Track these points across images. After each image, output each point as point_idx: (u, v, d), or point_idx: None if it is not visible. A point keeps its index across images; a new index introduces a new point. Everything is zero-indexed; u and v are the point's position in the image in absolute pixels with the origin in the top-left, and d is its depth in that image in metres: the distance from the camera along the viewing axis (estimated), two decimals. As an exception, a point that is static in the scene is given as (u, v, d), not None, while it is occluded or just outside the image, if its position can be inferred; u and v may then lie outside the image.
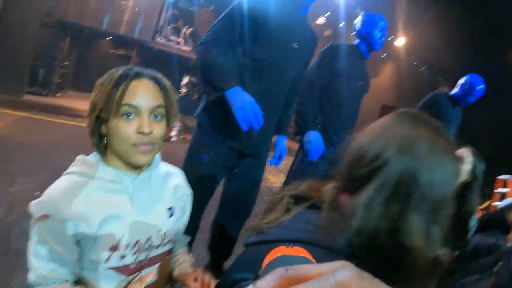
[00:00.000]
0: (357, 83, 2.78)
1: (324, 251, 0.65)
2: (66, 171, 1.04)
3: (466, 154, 2.20)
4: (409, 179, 0.69)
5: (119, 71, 1.03)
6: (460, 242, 2.06)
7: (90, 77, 9.78)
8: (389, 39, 13.46)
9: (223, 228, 2.36)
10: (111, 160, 1.06)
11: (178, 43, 12.60)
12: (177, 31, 12.73)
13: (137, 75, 1.02)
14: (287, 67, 2.10)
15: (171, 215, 1.15)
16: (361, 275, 0.19)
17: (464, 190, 2.18)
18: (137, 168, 1.07)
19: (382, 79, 15.96)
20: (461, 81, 3.62)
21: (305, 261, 0.47)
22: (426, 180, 0.69)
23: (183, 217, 1.26)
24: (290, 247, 0.47)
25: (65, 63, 10.39)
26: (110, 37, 11.46)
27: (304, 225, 0.74)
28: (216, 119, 2.05)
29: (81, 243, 0.97)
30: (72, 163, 1.06)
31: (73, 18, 9.56)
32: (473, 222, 2.24)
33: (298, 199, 0.86)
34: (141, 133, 0.99)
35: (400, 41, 13.08)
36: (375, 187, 0.71)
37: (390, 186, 0.70)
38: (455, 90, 3.67)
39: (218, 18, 2.03)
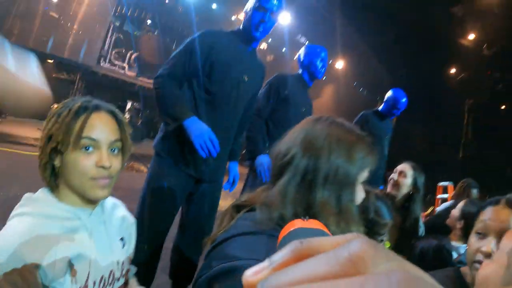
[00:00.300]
0: (301, 110, 2.97)
1: (267, 237, 0.81)
2: (16, 212, 0.96)
3: (407, 169, 2.47)
4: (312, 167, 0.89)
5: (77, 102, 1.01)
6: (407, 247, 2.30)
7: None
8: (329, 62, 14.23)
9: (183, 253, 2.38)
10: (64, 195, 1.01)
11: (122, 68, 12.40)
12: (121, 56, 12.52)
13: (96, 108, 1.01)
14: (239, 98, 2.25)
15: (123, 246, 1.16)
16: (375, 246, 0.19)
17: (407, 201, 2.44)
18: (92, 202, 1.04)
19: (324, 100, 16.77)
20: (386, 96, 3.81)
21: (321, 233, 0.46)
22: (327, 166, 0.90)
23: (131, 246, 1.24)
24: (305, 220, 0.46)
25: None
26: (54, 60, 10.99)
27: (245, 222, 0.89)
28: (174, 148, 2.14)
29: None
30: (21, 203, 0.99)
31: (16, 39, 9.10)
32: (421, 229, 2.51)
33: (239, 208, 1.00)
34: (101, 167, 0.98)
35: (339, 64, 13.83)
36: (287, 177, 0.90)
37: (298, 174, 0.89)
38: (381, 106, 3.85)
39: (174, 53, 2.14)
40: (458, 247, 2.18)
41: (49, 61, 11.23)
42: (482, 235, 1.17)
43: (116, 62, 12.28)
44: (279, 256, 0.22)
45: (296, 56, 3.15)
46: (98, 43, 10.77)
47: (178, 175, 2.14)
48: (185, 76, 2.08)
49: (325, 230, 0.47)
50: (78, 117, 0.97)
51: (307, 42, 12.95)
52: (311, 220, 0.46)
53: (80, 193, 1.01)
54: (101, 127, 1.00)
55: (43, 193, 1.01)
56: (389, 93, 3.76)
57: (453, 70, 10.98)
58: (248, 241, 0.83)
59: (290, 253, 0.22)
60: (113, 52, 12.17)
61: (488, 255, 1.11)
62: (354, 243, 0.19)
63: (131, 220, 1.26)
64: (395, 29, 10.37)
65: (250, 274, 0.22)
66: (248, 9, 2.20)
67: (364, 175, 0.93)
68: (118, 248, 1.13)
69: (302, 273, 0.19)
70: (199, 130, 1.91)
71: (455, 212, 2.29)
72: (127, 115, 13.24)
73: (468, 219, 2.14)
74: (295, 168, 0.91)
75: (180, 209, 2.36)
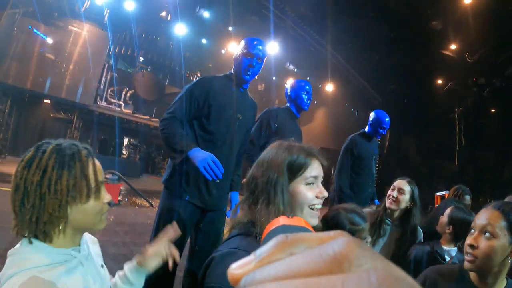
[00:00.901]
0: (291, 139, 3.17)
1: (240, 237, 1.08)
2: (18, 270, 0.94)
3: (404, 185, 2.61)
4: (266, 181, 1.17)
5: (66, 151, 1.03)
6: (402, 256, 2.43)
7: (29, 141, 9.30)
8: (319, 86, 14.58)
9: (193, 278, 2.52)
10: (57, 239, 1.03)
11: (119, 105, 12.60)
12: (117, 94, 12.76)
13: (89, 151, 1.08)
14: (234, 135, 2.51)
15: (105, 270, 1.24)
16: (359, 245, 0.19)
17: (405, 215, 2.57)
18: (78, 241, 1.11)
19: (317, 124, 17.02)
20: (370, 118, 3.94)
21: (304, 230, 0.48)
22: (264, 179, 1.18)
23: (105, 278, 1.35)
24: (290, 217, 0.49)
25: (3, 128, 9.87)
26: (51, 101, 11.16)
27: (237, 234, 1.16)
28: (181, 182, 2.39)
29: None
30: (13, 261, 0.97)
31: (14, 80, 9.29)
32: (421, 235, 2.64)
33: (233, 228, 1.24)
34: (108, 203, 1.10)
35: (329, 87, 14.14)
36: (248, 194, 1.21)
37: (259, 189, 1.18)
38: (367, 128, 3.97)
39: (176, 99, 2.42)
40: (449, 250, 2.31)
41: (47, 101, 11.40)
42: (472, 231, 1.39)
43: (112, 100, 12.52)
44: (265, 249, 0.22)
45: (284, 90, 3.46)
46: (93, 82, 11.01)
47: (186, 207, 2.35)
48: (186, 118, 2.34)
49: (309, 227, 0.51)
50: (88, 164, 1.03)
51: (295, 69, 13.30)
52: (296, 218, 0.50)
53: (87, 230, 1.10)
54: (100, 169, 1.09)
55: (32, 246, 1.00)
56: (372, 115, 3.91)
57: (439, 81, 11.32)
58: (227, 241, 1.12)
59: (276, 246, 0.22)
60: (109, 90, 12.43)
61: (471, 246, 1.34)
62: (339, 241, 0.20)
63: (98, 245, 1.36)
64: (380, 48, 10.77)
65: (235, 267, 0.22)
66: (237, 55, 2.47)
67: (304, 177, 1.19)
68: (105, 275, 1.21)
69: (287, 269, 0.20)
70: (202, 156, 2.12)
71: (444, 218, 2.41)
72: (125, 151, 13.33)
73: (456, 224, 2.32)
74: (256, 184, 1.21)
75: (189, 237, 2.55)
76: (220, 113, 2.36)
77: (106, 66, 11.94)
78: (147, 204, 8.17)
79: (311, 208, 1.20)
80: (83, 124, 11.82)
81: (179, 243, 2.31)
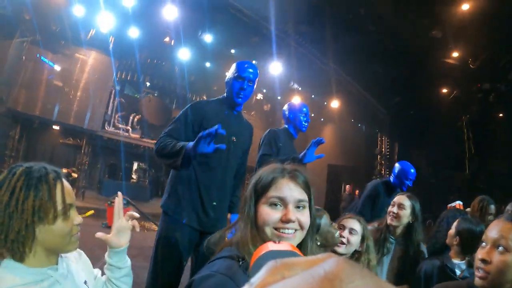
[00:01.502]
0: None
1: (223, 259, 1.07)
2: None
3: (404, 200, 2.60)
4: (243, 201, 1.19)
5: (34, 174, 1.08)
6: (412, 273, 2.38)
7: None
8: (324, 103, 14.62)
9: None
10: (33, 259, 1.08)
11: (126, 130, 12.81)
12: (125, 119, 13.00)
13: (58, 175, 1.14)
14: (230, 157, 2.55)
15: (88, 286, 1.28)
16: (349, 264, 0.19)
17: (408, 230, 2.54)
18: (54, 260, 1.15)
19: (325, 141, 16.88)
20: (395, 169, 3.84)
21: (292, 254, 0.48)
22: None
23: (97, 285, 1.38)
24: (278, 242, 0.49)
25: (14, 153, 10.08)
26: (60, 127, 11.41)
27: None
28: (178, 206, 2.41)
29: None
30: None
31: (23, 107, 9.54)
32: (425, 252, 2.60)
33: None
34: (77, 225, 1.15)
35: (335, 104, 14.15)
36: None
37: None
38: (392, 178, 3.87)
39: (171, 122, 2.49)
40: (459, 264, 2.26)
41: (55, 127, 11.65)
42: (484, 244, 1.31)
43: (120, 125, 12.72)
44: (257, 277, 0.23)
45: (282, 112, 3.51)
46: (101, 108, 11.24)
47: (184, 230, 2.38)
48: (182, 140, 2.36)
49: (297, 251, 0.51)
50: (55, 187, 1.09)
51: (300, 88, 13.39)
52: (283, 242, 0.51)
53: (57, 250, 1.14)
54: (69, 191, 1.15)
55: (5, 266, 1.04)
56: (397, 167, 3.83)
57: (444, 90, 11.26)
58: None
59: (267, 272, 0.23)
60: (116, 115, 12.66)
61: (483, 261, 1.26)
62: (329, 261, 0.20)
63: (89, 263, 1.40)
64: (382, 61, 10.82)
65: None
66: (229, 79, 2.54)
67: (266, 197, 1.15)
68: None
69: None
70: (193, 142, 2.11)
71: (451, 231, 2.39)
72: (134, 176, 13.45)
73: (463, 235, 2.29)
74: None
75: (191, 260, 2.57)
76: (215, 136, 2.38)
77: (113, 92, 12.23)
78: (156, 228, 8.15)
79: (277, 230, 1.11)
80: (92, 150, 12.00)
81: (178, 266, 2.38)
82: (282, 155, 3.02)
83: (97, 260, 1.54)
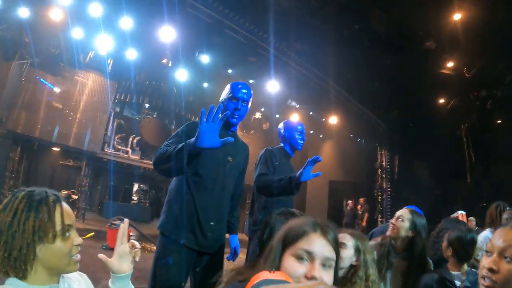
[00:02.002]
0: None
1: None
2: None
3: (404, 213, 2.61)
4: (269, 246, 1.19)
5: (35, 197, 1.17)
6: (413, 287, 2.38)
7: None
8: (322, 119, 14.68)
9: None
10: (35, 277, 1.15)
11: (126, 152, 12.83)
12: (124, 141, 13.04)
13: (58, 198, 1.22)
14: (226, 177, 2.57)
15: None
16: None
17: (409, 244, 2.54)
18: (56, 279, 1.22)
19: (325, 157, 16.81)
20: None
21: (285, 283, 0.50)
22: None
23: None
24: (272, 271, 0.51)
25: (14, 175, 10.07)
26: (60, 149, 11.45)
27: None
28: (175, 226, 2.41)
29: None
30: None
31: (22, 129, 9.58)
32: (430, 263, 2.60)
33: None
34: (78, 245, 1.22)
35: (333, 120, 14.19)
36: None
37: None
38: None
39: (168, 139, 2.50)
40: (458, 275, 2.29)
41: (55, 149, 11.67)
42: (489, 253, 1.29)
43: (120, 147, 12.74)
44: None
45: (277, 131, 3.52)
46: (101, 130, 11.28)
47: (181, 250, 2.37)
48: None
49: (289, 280, 0.54)
50: (55, 209, 1.18)
51: (297, 105, 13.48)
52: (277, 272, 0.54)
53: (57, 270, 1.20)
54: (69, 213, 1.23)
55: (8, 283, 1.13)
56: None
57: (441, 100, 11.33)
58: None
59: None
60: (116, 137, 12.71)
61: (490, 270, 1.23)
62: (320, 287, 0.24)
63: (90, 285, 1.45)
64: (379, 75, 10.95)
65: None
66: (223, 100, 2.60)
67: (295, 248, 1.14)
68: None
69: None
70: (198, 131, 2.07)
71: (444, 243, 2.43)
72: (135, 197, 13.39)
73: (454, 245, 2.33)
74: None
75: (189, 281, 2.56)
76: (210, 156, 2.40)
77: (113, 113, 12.32)
78: (157, 247, 8.06)
79: None
80: (92, 171, 11.99)
81: (178, 287, 2.33)
82: (279, 174, 3.02)
83: (98, 283, 1.55)
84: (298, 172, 2.76)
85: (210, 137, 2.05)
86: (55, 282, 1.19)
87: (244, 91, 2.55)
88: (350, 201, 13.57)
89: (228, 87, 2.63)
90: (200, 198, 2.42)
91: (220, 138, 2.31)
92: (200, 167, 2.43)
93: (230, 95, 2.56)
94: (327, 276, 1.06)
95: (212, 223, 2.43)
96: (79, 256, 1.22)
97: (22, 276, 1.12)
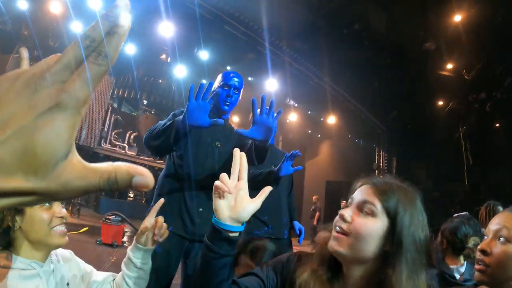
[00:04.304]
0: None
1: None
2: None
3: None
4: None
5: None
6: None
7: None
8: (320, 119, 14.67)
9: None
10: (18, 252, 1.15)
11: (123, 148, 12.79)
12: (121, 136, 12.99)
13: None
14: (215, 162, 2.49)
15: None
16: None
17: None
18: (46, 254, 1.20)
19: (323, 157, 16.95)
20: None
21: None
22: None
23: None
24: None
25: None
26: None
27: None
28: (163, 213, 2.32)
29: None
30: None
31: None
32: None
33: None
34: (61, 217, 1.19)
35: (331, 120, 14.19)
36: None
37: None
38: None
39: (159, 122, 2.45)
40: (457, 268, 2.26)
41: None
42: (485, 237, 1.25)
43: (116, 143, 12.71)
44: None
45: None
46: (98, 125, 11.25)
47: (169, 238, 2.30)
48: None
49: None
50: None
51: (296, 104, 13.45)
52: None
53: (40, 242, 1.16)
54: None
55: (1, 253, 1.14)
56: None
57: (440, 102, 11.33)
58: None
59: None
60: (113, 133, 12.66)
61: (483, 252, 1.21)
62: None
63: (80, 265, 1.41)
64: (377, 75, 10.93)
65: None
66: (215, 89, 2.54)
67: None
68: None
69: None
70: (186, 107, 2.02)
71: (439, 238, 2.40)
72: (131, 194, 13.33)
73: (446, 236, 2.31)
74: None
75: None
76: (197, 140, 2.36)
77: (110, 109, 12.27)
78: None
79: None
80: (88, 166, 11.94)
81: (165, 277, 2.30)
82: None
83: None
84: (277, 167, 2.75)
85: (198, 115, 1.99)
86: (40, 260, 1.17)
87: (236, 79, 2.49)
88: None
89: (220, 76, 2.58)
90: (187, 183, 2.36)
91: (210, 123, 2.29)
92: (186, 151, 2.38)
93: (222, 82, 2.50)
94: (363, 221, 0.99)
95: (201, 209, 2.35)
96: (63, 229, 1.19)
97: (14, 251, 1.13)
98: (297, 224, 3.24)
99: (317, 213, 12.86)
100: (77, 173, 0.31)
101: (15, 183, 0.28)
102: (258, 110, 2.02)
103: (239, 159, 1.09)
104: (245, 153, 1.38)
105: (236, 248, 1.06)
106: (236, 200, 1.05)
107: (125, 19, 0.32)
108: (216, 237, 1.02)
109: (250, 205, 1.04)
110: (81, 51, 0.30)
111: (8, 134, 0.27)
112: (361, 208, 1.00)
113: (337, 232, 1.01)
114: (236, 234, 1.03)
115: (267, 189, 1.09)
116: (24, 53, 1.07)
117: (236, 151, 1.12)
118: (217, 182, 1.07)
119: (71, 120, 0.30)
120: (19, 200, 0.30)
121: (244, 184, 1.07)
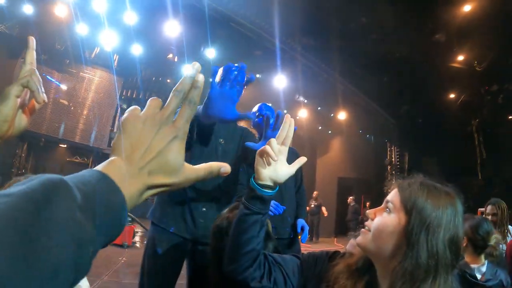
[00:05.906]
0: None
1: None
2: None
3: None
4: None
5: None
6: None
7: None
8: (331, 115, 14.53)
9: None
10: None
11: (132, 148, 12.83)
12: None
13: None
14: (217, 160, 2.36)
15: None
16: None
17: None
18: None
19: (334, 154, 16.80)
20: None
21: None
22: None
23: None
24: None
25: (20, 172, 10.15)
26: (66, 145, 11.53)
27: None
28: (165, 215, 2.28)
29: None
30: None
31: (30, 125, 9.61)
32: None
33: None
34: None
35: (342, 115, 14.06)
36: None
37: None
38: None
39: None
40: (478, 267, 2.19)
41: (62, 145, 11.76)
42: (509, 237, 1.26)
43: (126, 143, 12.75)
44: None
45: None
46: (107, 126, 11.34)
47: (171, 239, 2.25)
48: None
49: None
50: None
51: (305, 100, 13.34)
52: None
53: None
54: None
55: None
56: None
57: (452, 95, 11.11)
58: None
59: None
60: (122, 133, 12.70)
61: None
62: None
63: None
64: (388, 69, 10.76)
65: None
66: (218, 82, 2.48)
67: None
68: None
69: None
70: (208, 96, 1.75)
71: None
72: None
73: (468, 232, 2.21)
74: None
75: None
76: (202, 136, 2.27)
77: (119, 110, 12.33)
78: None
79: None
80: (98, 168, 12.03)
81: (168, 280, 2.25)
82: None
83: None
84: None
85: (224, 105, 1.62)
86: None
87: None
88: (350, 197, 13.67)
89: (221, 70, 2.54)
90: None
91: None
92: (189, 148, 2.24)
93: (223, 77, 2.45)
94: (381, 217, 1.04)
95: (204, 209, 2.28)
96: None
97: None
98: (300, 222, 3.14)
99: (323, 207, 12.87)
100: (190, 171, 0.51)
101: (162, 180, 0.48)
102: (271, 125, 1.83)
103: (289, 125, 1.19)
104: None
105: (269, 207, 1.21)
106: (276, 163, 1.16)
107: (200, 77, 0.50)
108: (251, 196, 1.16)
109: (287, 170, 1.17)
110: (179, 101, 0.50)
111: (151, 157, 0.47)
112: (386, 206, 1.05)
113: (363, 228, 1.08)
114: (269, 194, 1.16)
115: (303, 159, 1.22)
116: (31, 42, 1.02)
117: (288, 116, 1.22)
118: (266, 147, 1.14)
119: (182, 144, 0.50)
120: (161, 190, 0.49)
121: (285, 150, 1.19)
